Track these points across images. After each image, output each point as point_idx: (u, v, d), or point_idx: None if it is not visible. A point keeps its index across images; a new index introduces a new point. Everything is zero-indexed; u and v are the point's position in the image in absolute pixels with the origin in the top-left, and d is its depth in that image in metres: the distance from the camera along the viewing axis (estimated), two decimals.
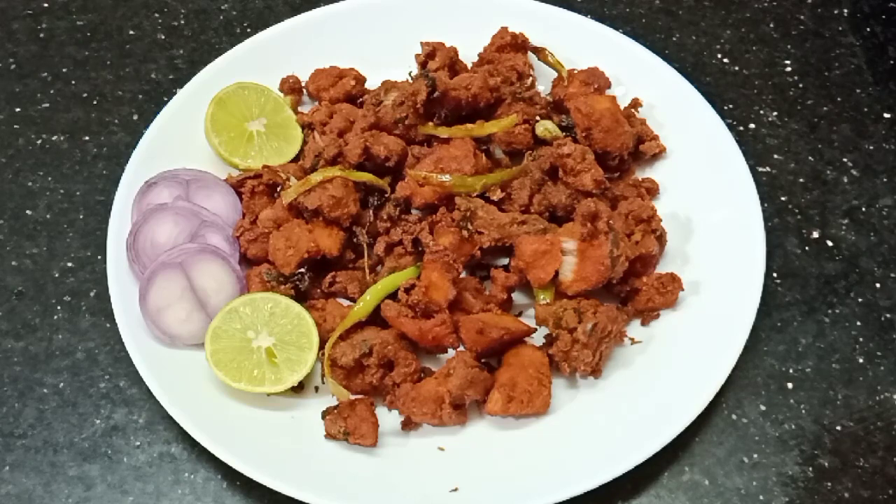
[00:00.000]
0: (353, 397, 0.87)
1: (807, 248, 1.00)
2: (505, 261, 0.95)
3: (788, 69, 1.15)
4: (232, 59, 1.07)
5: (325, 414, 0.86)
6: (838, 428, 0.89)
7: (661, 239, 0.94)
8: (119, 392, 0.92)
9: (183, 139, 1.02)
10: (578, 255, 0.89)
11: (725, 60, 1.16)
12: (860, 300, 0.97)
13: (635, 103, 1.05)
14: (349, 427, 0.84)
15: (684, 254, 0.96)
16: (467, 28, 1.07)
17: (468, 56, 1.07)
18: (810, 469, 0.87)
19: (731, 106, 1.11)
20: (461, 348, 0.88)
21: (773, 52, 1.17)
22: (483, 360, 0.88)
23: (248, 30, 1.19)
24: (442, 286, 0.88)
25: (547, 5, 1.11)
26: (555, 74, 1.06)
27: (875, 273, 0.98)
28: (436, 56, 1.04)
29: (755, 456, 0.88)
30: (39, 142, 1.10)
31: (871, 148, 1.08)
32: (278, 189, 0.97)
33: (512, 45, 1.06)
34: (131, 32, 1.20)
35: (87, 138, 1.10)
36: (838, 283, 0.98)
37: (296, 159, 1.02)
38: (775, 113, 1.11)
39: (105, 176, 1.07)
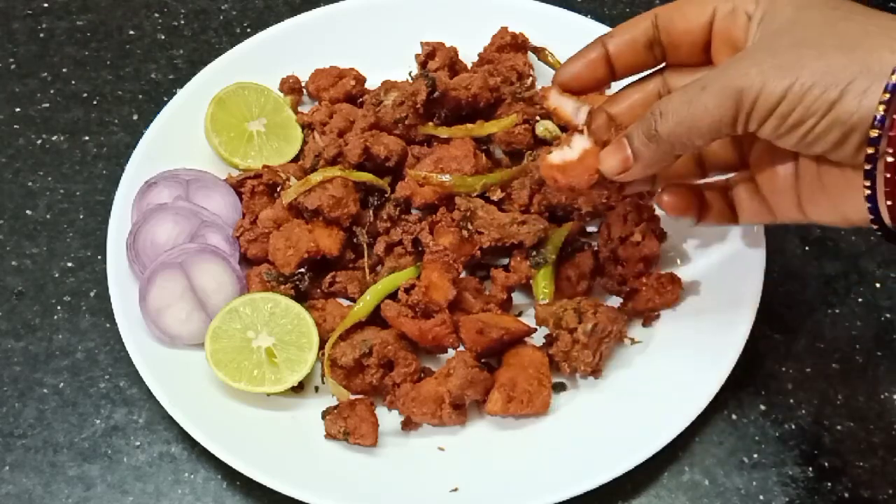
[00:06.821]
0: (353, 397, 0.87)
1: (807, 248, 1.00)
2: (505, 261, 0.95)
3: None
4: (232, 59, 1.07)
5: (325, 414, 0.86)
6: (838, 428, 0.89)
7: (661, 238, 0.94)
8: (119, 392, 0.92)
9: (183, 139, 1.01)
10: (580, 153, 0.77)
11: None
12: (860, 300, 0.97)
13: None
14: (349, 427, 0.84)
15: (684, 254, 0.96)
16: (467, 28, 1.07)
17: (468, 56, 1.07)
18: (810, 469, 0.87)
19: None
20: (461, 348, 0.89)
21: None
22: (483, 360, 0.88)
23: (248, 30, 1.19)
24: (442, 286, 0.88)
25: (547, 5, 1.10)
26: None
27: (875, 273, 0.98)
28: (436, 56, 1.04)
29: (755, 456, 0.88)
30: (39, 142, 1.10)
31: None
32: (278, 189, 0.97)
33: (512, 45, 1.06)
34: (131, 32, 1.20)
35: (87, 138, 1.10)
36: (838, 283, 0.98)
37: (296, 159, 1.02)
38: None
39: (105, 176, 1.07)
